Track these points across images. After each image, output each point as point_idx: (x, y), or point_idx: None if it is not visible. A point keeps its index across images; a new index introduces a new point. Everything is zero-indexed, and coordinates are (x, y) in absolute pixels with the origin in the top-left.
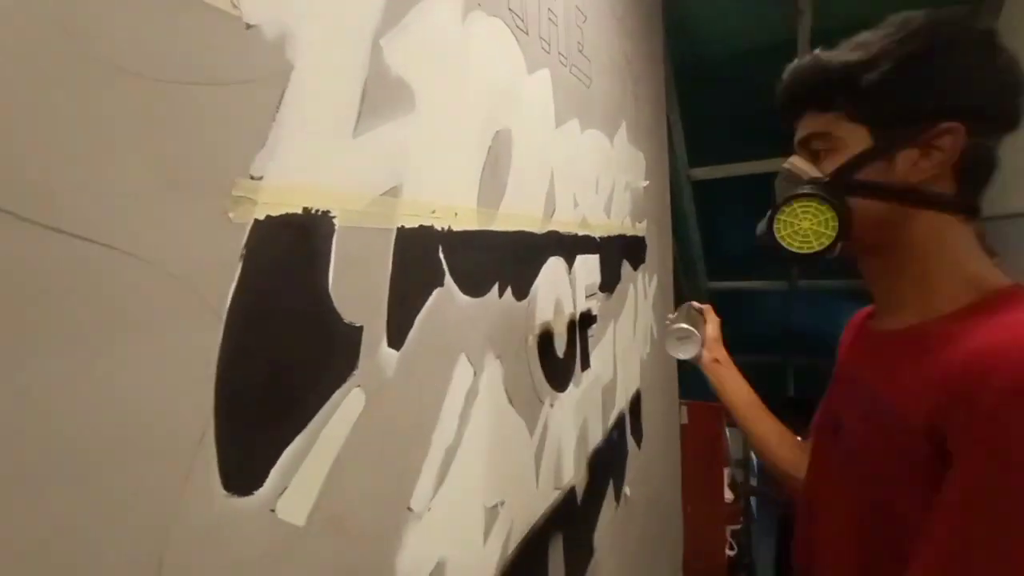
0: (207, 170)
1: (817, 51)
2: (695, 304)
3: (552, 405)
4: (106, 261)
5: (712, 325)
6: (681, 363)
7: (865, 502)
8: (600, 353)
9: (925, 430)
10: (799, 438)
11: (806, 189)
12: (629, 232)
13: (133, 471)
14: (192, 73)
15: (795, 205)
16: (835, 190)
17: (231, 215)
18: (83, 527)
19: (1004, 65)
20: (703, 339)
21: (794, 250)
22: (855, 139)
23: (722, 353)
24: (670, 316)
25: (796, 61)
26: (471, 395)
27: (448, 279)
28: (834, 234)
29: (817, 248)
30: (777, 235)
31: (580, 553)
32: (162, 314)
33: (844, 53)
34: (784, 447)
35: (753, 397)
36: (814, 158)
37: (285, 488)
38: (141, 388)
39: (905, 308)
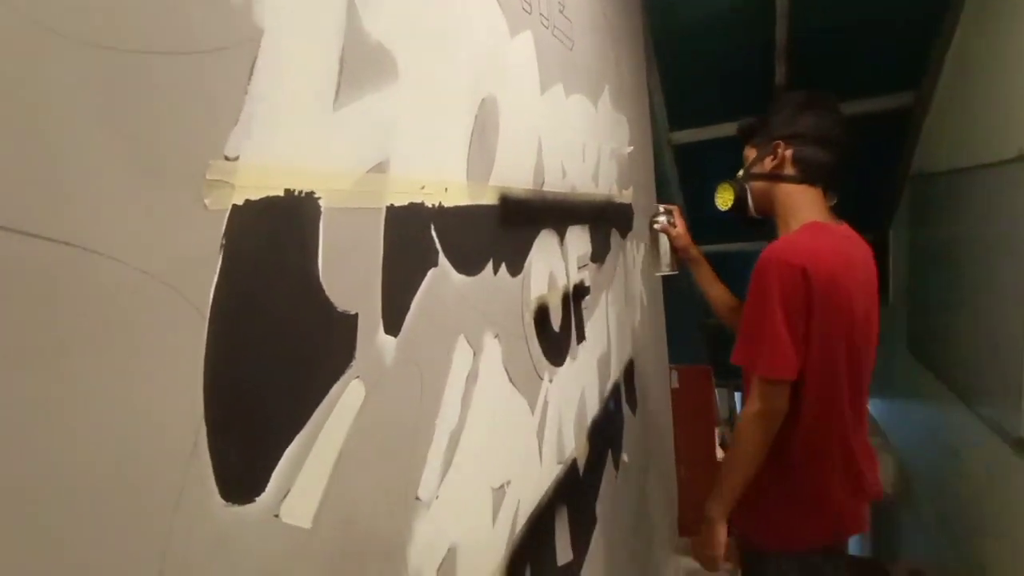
0: (176, 152)
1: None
2: (665, 207)
3: (551, 380)
4: (67, 261)
5: (680, 218)
6: (670, 327)
7: None
8: (594, 324)
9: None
10: None
11: (727, 180)
12: (616, 200)
13: (121, 491)
14: (150, 41)
15: (720, 187)
16: (742, 179)
17: (207, 201)
18: (71, 558)
19: (810, 117)
20: (679, 242)
21: (724, 210)
22: (751, 154)
23: (694, 246)
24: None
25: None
26: (472, 377)
27: (442, 258)
28: (732, 198)
29: (731, 206)
30: (717, 203)
31: (584, 523)
32: (137, 316)
33: (752, 118)
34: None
35: (717, 279)
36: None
37: (288, 491)
38: (120, 400)
39: None
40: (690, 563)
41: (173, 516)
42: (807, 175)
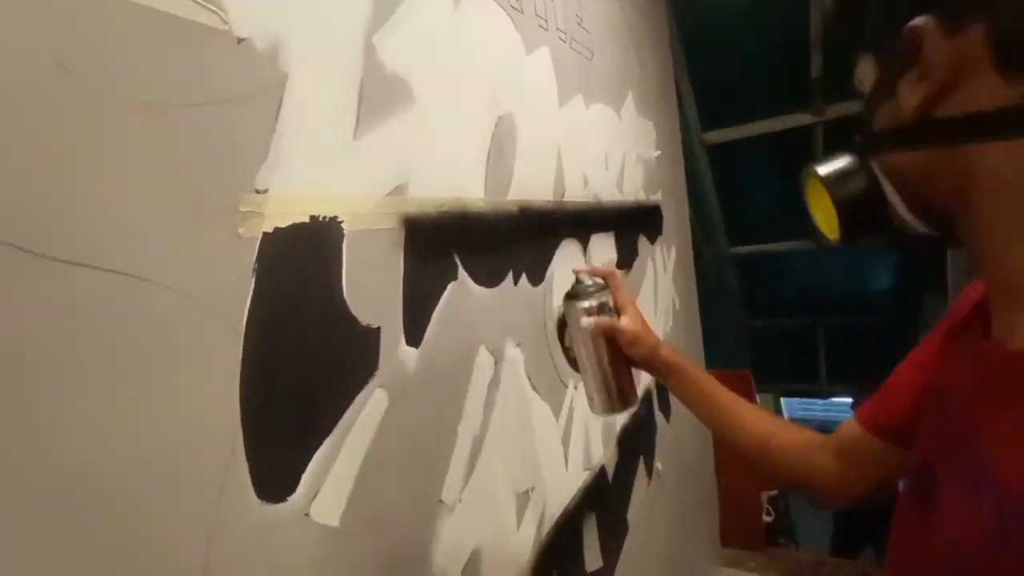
0: (213, 189)
1: None
2: (587, 274)
3: (576, 387)
4: (122, 289)
5: (627, 296)
6: (708, 331)
7: None
8: None
9: None
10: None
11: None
12: (643, 205)
13: (169, 492)
14: (188, 94)
15: (809, 188)
16: (871, 148)
17: (240, 231)
18: (128, 551)
19: None
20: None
21: (833, 240)
22: (867, 77)
23: (665, 344)
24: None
25: None
26: (494, 385)
27: (462, 272)
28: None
29: (848, 225)
30: (822, 233)
31: (615, 530)
32: (182, 335)
33: None
34: (793, 441)
35: (728, 393)
36: None
37: (317, 492)
38: (167, 411)
39: None
40: (733, 573)
41: (217, 512)
42: None
